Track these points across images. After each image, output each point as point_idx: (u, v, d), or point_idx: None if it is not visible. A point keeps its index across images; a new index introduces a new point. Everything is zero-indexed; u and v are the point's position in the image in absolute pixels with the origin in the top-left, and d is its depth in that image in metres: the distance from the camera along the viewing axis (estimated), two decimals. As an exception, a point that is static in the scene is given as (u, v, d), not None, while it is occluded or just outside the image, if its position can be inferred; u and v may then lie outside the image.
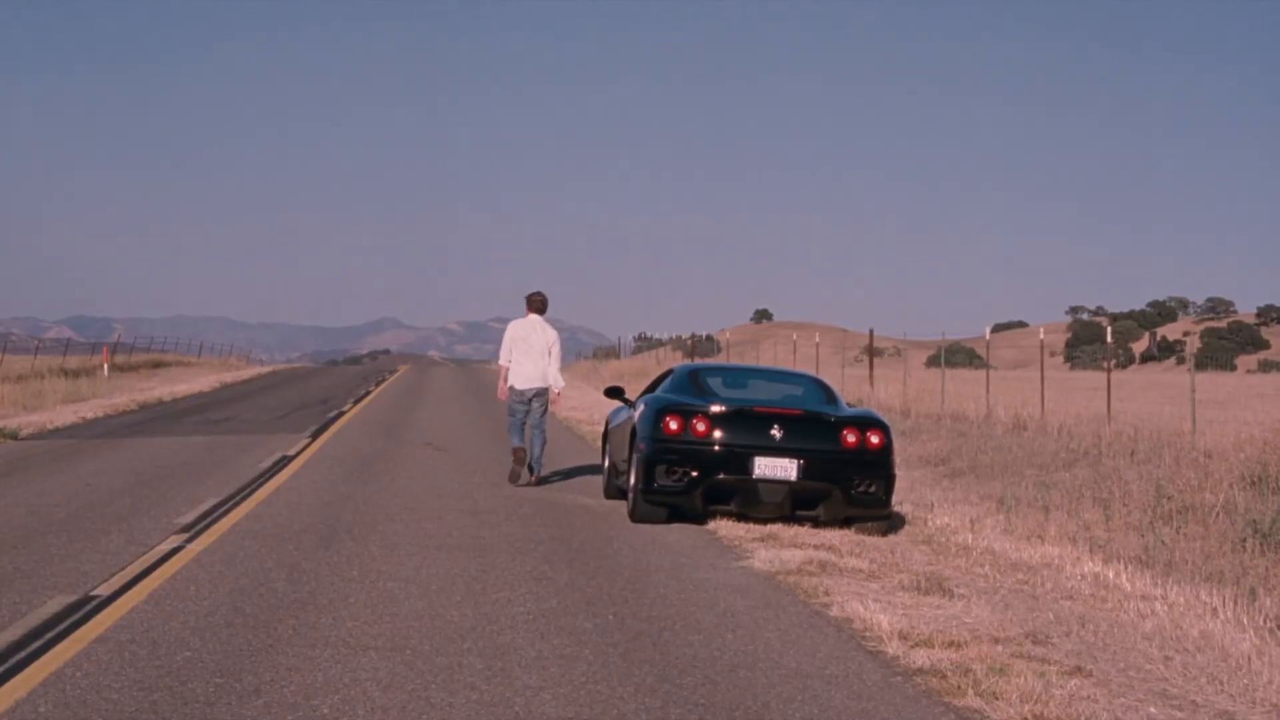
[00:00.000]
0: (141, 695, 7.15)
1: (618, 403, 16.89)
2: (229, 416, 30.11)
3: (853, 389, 35.92)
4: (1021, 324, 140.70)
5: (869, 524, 13.89)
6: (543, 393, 17.36)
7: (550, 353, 17.28)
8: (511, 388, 17.28)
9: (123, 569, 10.67)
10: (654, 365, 57.21)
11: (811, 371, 29.36)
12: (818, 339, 46.32)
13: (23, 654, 7.94)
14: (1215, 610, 10.48)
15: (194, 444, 22.37)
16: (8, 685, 7.29)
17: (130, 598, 9.58)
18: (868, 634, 9.16)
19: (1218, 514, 15.18)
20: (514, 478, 17.16)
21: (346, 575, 10.66)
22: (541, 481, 17.42)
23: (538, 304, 17.47)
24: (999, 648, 8.76)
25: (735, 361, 56.71)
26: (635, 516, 14.14)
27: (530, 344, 17.26)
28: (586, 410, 33.02)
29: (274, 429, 25.89)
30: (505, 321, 18.58)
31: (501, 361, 17.52)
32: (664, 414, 13.98)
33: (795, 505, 13.84)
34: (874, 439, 13.87)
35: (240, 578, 10.43)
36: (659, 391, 15.08)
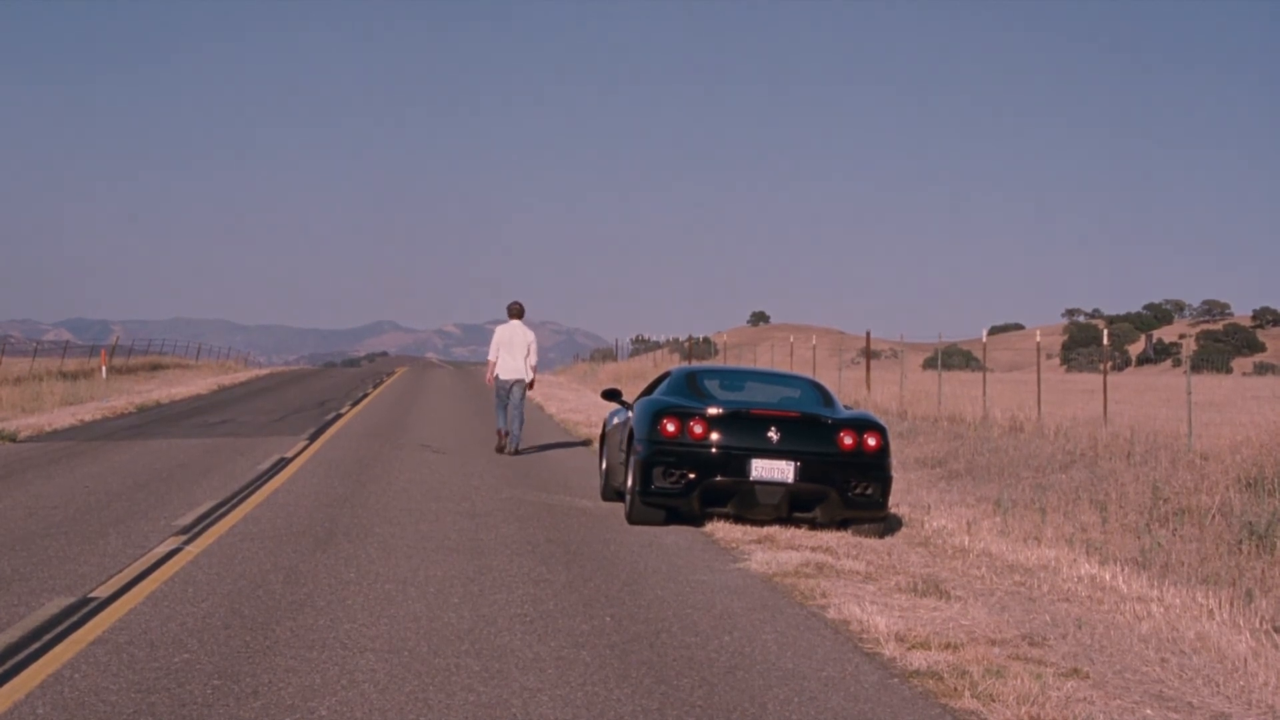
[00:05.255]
0: (139, 697, 7.17)
1: (615, 405, 16.93)
2: (227, 419, 30.10)
3: (850, 391, 35.93)
4: (1018, 326, 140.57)
5: (866, 526, 13.91)
6: (521, 382, 21.45)
7: (528, 350, 21.41)
8: (497, 377, 21.46)
9: (121, 571, 10.68)
10: (651, 367, 57.22)
11: (808, 374, 29.39)
12: (814, 341, 46.32)
13: (21, 655, 7.95)
14: (1211, 612, 10.50)
15: (192, 446, 22.37)
16: (6, 687, 7.31)
17: (128, 600, 9.59)
18: (865, 636, 9.17)
19: (1214, 516, 15.20)
20: (499, 450, 21.47)
21: (344, 577, 10.67)
22: (519, 453, 21.50)
23: (517, 311, 21.75)
24: (996, 649, 8.78)
25: (732, 364, 56.75)
26: (632, 518, 14.16)
27: (513, 344, 21.43)
28: (584, 412, 33.03)
29: (272, 431, 25.88)
30: (501, 324, 22.12)
31: (490, 358, 21.71)
32: (661, 416, 13.99)
33: (792, 507, 13.85)
34: (871, 441, 13.89)
35: (238, 580, 10.44)
36: (656, 394, 15.09)
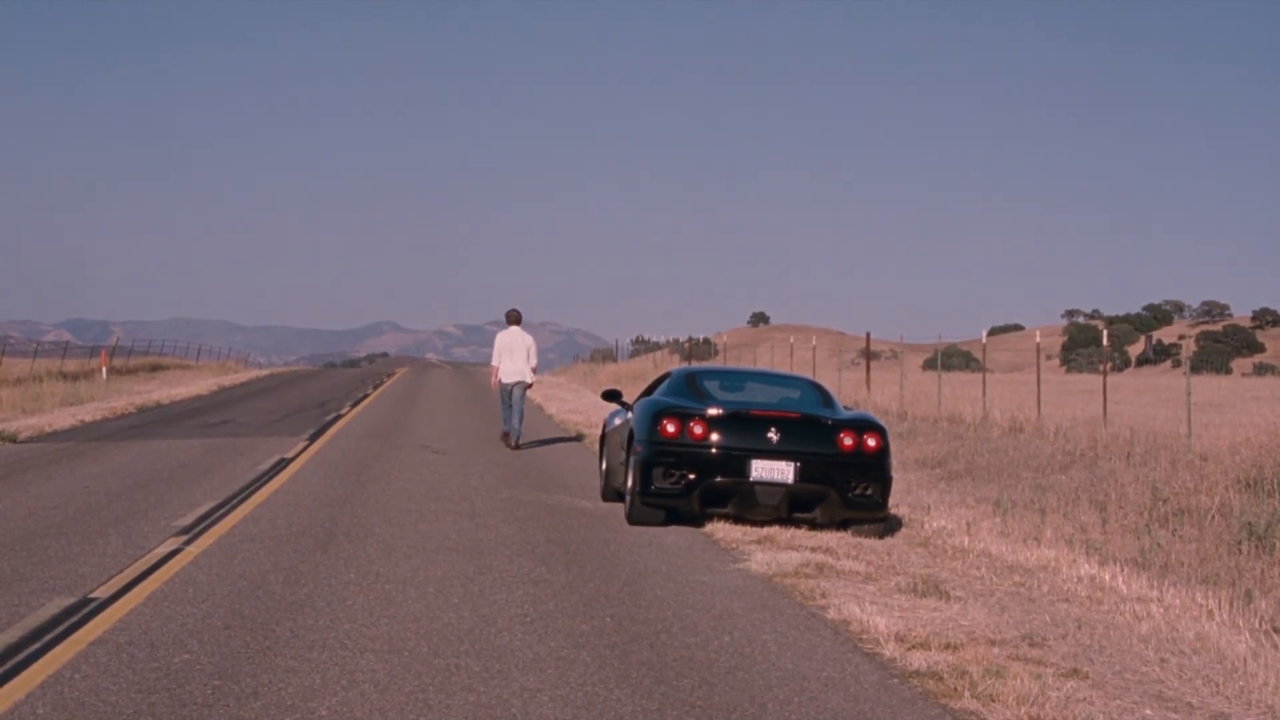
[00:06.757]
0: (139, 697, 7.17)
1: (615, 406, 16.93)
2: (227, 419, 30.11)
3: (849, 392, 35.94)
4: (1018, 327, 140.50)
5: (866, 526, 13.91)
6: (522, 383, 23.02)
7: (528, 354, 23.00)
8: (500, 381, 22.97)
9: (121, 571, 10.69)
10: (651, 368, 57.21)
11: (808, 374, 29.38)
12: (814, 342, 46.33)
13: (21, 656, 7.95)
14: (1211, 612, 10.51)
15: (192, 447, 22.38)
16: (6, 687, 7.31)
17: (128, 600, 9.59)
18: (864, 636, 9.17)
19: (1213, 516, 15.21)
20: (506, 445, 23.00)
21: (344, 578, 10.67)
22: (520, 447, 22.92)
23: (515, 318, 23.56)
24: (995, 650, 8.79)
25: (732, 365, 56.75)
26: (632, 519, 14.16)
27: (513, 349, 23.03)
28: (584, 413, 33.03)
29: (272, 432, 25.89)
30: (501, 324, 23.93)
31: (494, 363, 23.30)
32: (661, 417, 14.00)
33: (792, 508, 13.86)
34: (871, 441, 13.89)
35: (238, 580, 10.44)
36: (656, 395, 15.10)
